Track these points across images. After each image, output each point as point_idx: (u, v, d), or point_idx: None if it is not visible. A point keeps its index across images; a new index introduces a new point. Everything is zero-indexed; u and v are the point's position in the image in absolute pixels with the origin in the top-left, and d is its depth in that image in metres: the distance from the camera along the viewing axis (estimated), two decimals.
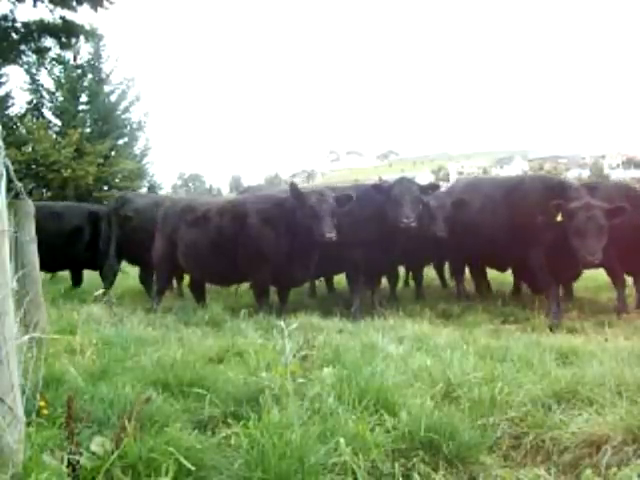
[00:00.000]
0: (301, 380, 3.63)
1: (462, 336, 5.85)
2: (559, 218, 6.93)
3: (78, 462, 2.56)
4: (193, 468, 2.61)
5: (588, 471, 2.80)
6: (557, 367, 4.38)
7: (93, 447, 2.68)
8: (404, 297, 9.12)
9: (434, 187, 8.57)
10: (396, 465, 2.81)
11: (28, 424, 2.68)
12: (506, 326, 6.71)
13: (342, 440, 2.85)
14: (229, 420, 3.32)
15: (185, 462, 2.60)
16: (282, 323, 3.95)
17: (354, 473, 2.71)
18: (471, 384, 3.84)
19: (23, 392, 2.76)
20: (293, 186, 7.79)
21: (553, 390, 3.75)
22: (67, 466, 2.51)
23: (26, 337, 3.49)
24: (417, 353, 4.97)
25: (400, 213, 7.55)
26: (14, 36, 19.45)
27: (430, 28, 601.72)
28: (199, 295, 8.82)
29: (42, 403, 3.11)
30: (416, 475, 2.75)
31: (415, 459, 2.90)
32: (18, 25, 18.11)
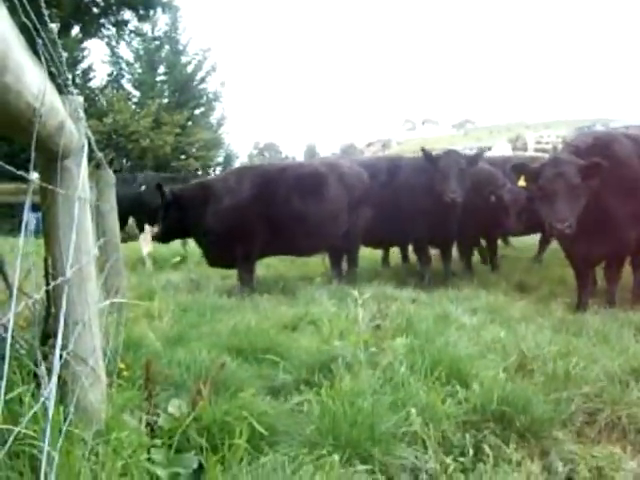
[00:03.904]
0: (373, 349, 3.63)
1: (537, 309, 5.72)
2: (521, 182, 5.83)
3: (156, 422, 2.66)
4: (266, 433, 2.66)
5: None
6: (636, 343, 4.24)
7: (170, 409, 2.77)
8: (479, 268, 8.95)
9: (479, 156, 8.05)
10: (467, 437, 2.78)
11: (109, 385, 2.79)
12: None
13: (413, 410, 2.84)
14: (302, 387, 3.36)
15: (258, 427, 2.65)
16: (355, 292, 3.95)
17: (424, 443, 2.71)
18: (545, 358, 3.75)
19: (105, 354, 2.86)
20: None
21: (631, 366, 3.62)
22: (146, 426, 2.60)
23: (107, 302, 3.62)
24: (491, 325, 4.90)
25: (446, 187, 7.33)
26: (95, 10, 19.94)
27: None
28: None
29: (122, 365, 3.22)
30: (487, 447, 2.71)
31: (486, 431, 2.86)
32: None
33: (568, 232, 5.22)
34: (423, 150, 7.85)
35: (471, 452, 2.68)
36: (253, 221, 7.23)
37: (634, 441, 2.92)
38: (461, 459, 2.64)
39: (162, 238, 7.85)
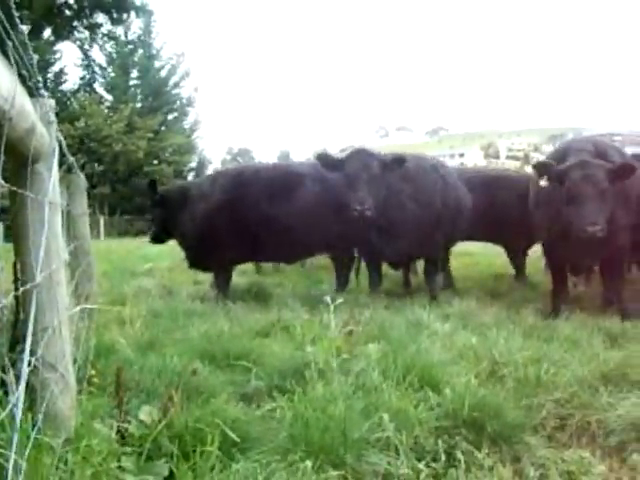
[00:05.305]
0: (346, 355, 3.63)
1: (508, 315, 5.77)
2: (543, 183, 5.57)
3: (127, 430, 2.63)
4: (238, 439, 2.64)
5: (635, 455, 2.74)
6: (605, 349, 4.29)
7: (141, 416, 2.74)
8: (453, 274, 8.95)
9: (399, 161, 6.55)
10: (439, 442, 2.79)
11: (79, 392, 2.75)
12: None
13: (386, 416, 2.85)
14: (274, 393, 3.35)
15: (230, 433, 2.63)
16: (328, 298, 3.95)
17: (397, 449, 2.71)
18: (517, 363, 3.79)
19: (75, 361, 2.83)
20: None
21: (601, 372, 3.67)
22: (116, 433, 2.57)
23: (78, 308, 3.58)
24: (463, 331, 4.94)
25: (352, 198, 6.14)
26: (67, 13, 19.75)
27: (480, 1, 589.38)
28: None
29: (93, 372, 3.19)
30: (459, 453, 2.72)
31: (458, 437, 2.87)
32: (71, 2, 18.37)
33: (600, 235, 5.16)
34: (319, 155, 6.92)
35: (443, 457, 2.69)
36: (226, 226, 6.99)
37: (603, 445, 2.95)
38: (433, 464, 2.65)
39: (153, 238, 7.84)
